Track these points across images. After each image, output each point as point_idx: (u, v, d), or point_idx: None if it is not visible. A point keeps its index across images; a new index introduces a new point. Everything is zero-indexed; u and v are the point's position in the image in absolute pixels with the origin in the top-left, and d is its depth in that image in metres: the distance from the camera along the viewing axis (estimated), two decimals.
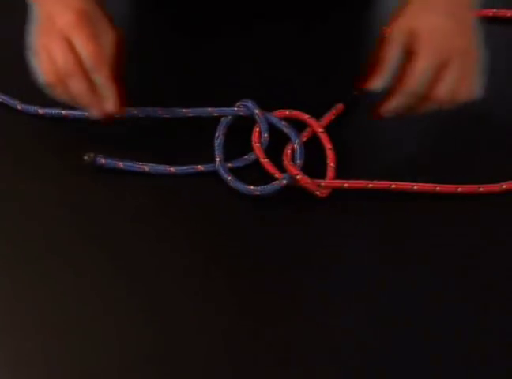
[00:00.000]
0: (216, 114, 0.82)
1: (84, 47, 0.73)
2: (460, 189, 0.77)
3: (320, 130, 0.80)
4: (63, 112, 0.82)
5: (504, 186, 0.78)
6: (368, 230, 0.75)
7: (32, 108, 0.83)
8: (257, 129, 0.80)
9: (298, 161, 0.78)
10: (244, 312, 0.69)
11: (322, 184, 0.76)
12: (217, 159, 0.78)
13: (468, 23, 0.76)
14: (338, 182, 0.76)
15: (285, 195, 0.77)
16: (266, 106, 0.82)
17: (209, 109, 0.82)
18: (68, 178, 0.79)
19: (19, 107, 0.84)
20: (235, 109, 0.82)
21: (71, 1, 0.75)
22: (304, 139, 0.80)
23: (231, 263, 0.72)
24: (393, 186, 0.76)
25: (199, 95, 0.85)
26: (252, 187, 0.76)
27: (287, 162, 0.77)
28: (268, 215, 0.76)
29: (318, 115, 0.82)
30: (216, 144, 0.79)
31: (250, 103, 0.81)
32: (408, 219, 0.76)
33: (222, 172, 0.77)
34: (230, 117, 0.81)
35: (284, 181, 0.76)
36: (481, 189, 0.77)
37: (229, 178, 0.76)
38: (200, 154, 0.79)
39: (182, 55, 0.90)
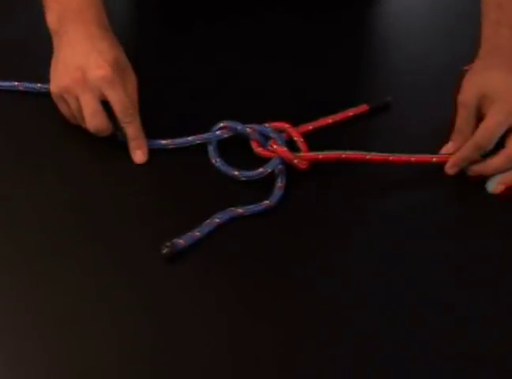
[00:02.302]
0: (199, 142, 0.81)
1: (118, 103, 0.77)
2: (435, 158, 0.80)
3: (287, 126, 0.82)
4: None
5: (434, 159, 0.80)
6: (370, 231, 0.76)
7: (35, 86, 0.87)
8: (255, 140, 0.81)
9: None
10: (245, 311, 0.69)
11: (301, 155, 0.79)
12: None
13: None
14: (314, 154, 0.79)
15: (285, 195, 0.77)
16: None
17: (190, 138, 0.81)
18: (68, 177, 0.79)
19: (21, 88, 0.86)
20: (218, 133, 0.81)
21: (104, 52, 0.78)
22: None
23: (232, 262, 0.72)
24: (368, 157, 0.78)
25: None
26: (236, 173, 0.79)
27: (274, 145, 0.80)
28: (268, 214, 0.76)
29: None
30: (217, 166, 0.80)
31: (239, 126, 0.81)
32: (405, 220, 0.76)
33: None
34: (215, 141, 0.81)
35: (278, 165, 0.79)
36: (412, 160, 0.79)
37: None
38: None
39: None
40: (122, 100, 0.77)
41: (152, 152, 0.80)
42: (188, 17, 0.99)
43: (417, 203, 0.78)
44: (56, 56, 0.81)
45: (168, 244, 0.71)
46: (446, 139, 0.82)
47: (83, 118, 0.79)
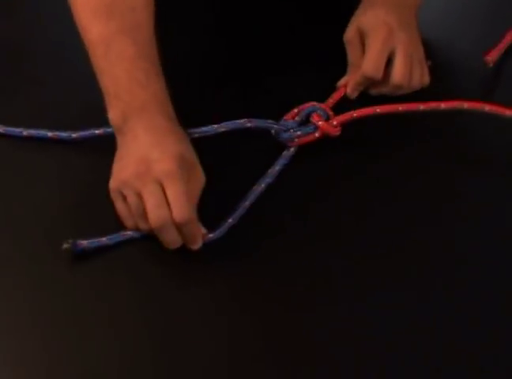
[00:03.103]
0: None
1: (177, 202, 0.70)
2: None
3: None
4: (49, 134, 0.81)
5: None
6: (369, 231, 0.76)
7: (16, 130, 0.81)
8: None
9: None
10: (244, 312, 0.69)
11: (334, 123, 0.81)
12: None
13: (408, 20, 0.87)
14: (347, 114, 0.81)
15: (284, 197, 0.77)
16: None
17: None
18: (67, 178, 0.79)
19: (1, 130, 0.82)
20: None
21: (170, 145, 0.73)
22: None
23: (231, 262, 0.72)
24: (400, 108, 0.82)
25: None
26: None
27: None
28: (268, 215, 0.76)
29: None
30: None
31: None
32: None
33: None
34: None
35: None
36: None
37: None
38: None
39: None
40: (180, 197, 0.71)
41: None
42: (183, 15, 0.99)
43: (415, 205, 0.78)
44: (119, 153, 0.75)
45: (70, 241, 0.71)
46: None
47: (141, 215, 0.72)
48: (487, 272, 0.72)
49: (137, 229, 0.73)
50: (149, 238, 0.73)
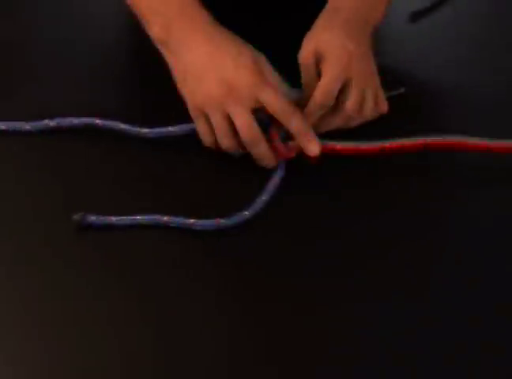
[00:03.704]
0: None
1: (274, 104, 0.75)
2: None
3: None
4: (50, 123, 0.82)
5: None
6: (369, 231, 0.76)
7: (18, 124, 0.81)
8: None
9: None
10: (245, 312, 0.69)
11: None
12: None
13: (365, 46, 0.82)
14: (330, 145, 0.79)
15: (284, 198, 0.77)
16: None
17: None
18: (68, 179, 0.79)
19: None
20: None
21: (242, 58, 0.76)
22: None
23: (231, 262, 0.72)
24: (387, 145, 0.80)
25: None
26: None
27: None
28: (268, 216, 0.76)
29: None
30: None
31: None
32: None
33: None
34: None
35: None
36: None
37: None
38: None
39: None
40: (277, 100, 0.75)
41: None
42: None
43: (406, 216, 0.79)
44: (179, 68, 0.77)
45: (80, 214, 0.73)
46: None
47: (227, 134, 0.76)
48: (487, 274, 0.72)
49: (216, 146, 0.77)
50: (148, 238, 0.73)
